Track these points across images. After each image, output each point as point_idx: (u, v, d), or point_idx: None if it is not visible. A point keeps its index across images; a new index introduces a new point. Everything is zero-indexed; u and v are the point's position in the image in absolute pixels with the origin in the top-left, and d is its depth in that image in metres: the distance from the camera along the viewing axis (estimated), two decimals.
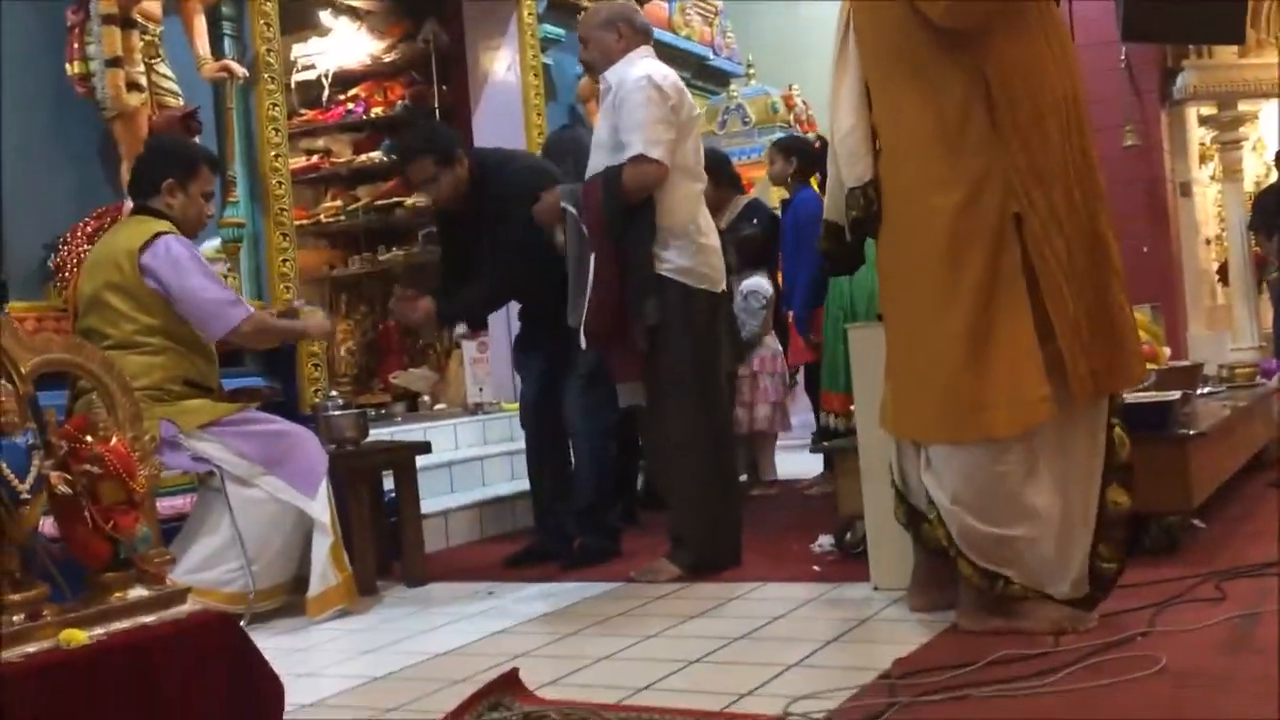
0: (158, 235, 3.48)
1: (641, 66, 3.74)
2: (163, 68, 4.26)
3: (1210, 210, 9.98)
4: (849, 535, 3.70)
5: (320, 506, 3.46)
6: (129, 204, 3.76)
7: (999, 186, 2.56)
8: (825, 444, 4.50)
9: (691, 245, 3.72)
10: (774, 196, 7.69)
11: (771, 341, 5.78)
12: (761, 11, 10.04)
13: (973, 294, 2.57)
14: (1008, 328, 2.56)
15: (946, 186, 2.60)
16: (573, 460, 4.27)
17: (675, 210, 3.70)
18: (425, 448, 4.28)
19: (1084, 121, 2.65)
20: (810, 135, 7.20)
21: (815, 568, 3.64)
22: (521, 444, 4.52)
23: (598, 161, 3.75)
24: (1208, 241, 9.71)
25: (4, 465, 1.83)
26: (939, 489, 2.65)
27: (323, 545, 3.45)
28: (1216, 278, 9.72)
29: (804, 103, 8.46)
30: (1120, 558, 2.66)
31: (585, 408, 4.08)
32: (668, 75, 3.76)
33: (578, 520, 4.19)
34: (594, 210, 3.67)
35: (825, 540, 3.86)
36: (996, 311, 2.56)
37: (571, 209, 3.73)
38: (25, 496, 1.84)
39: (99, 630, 1.83)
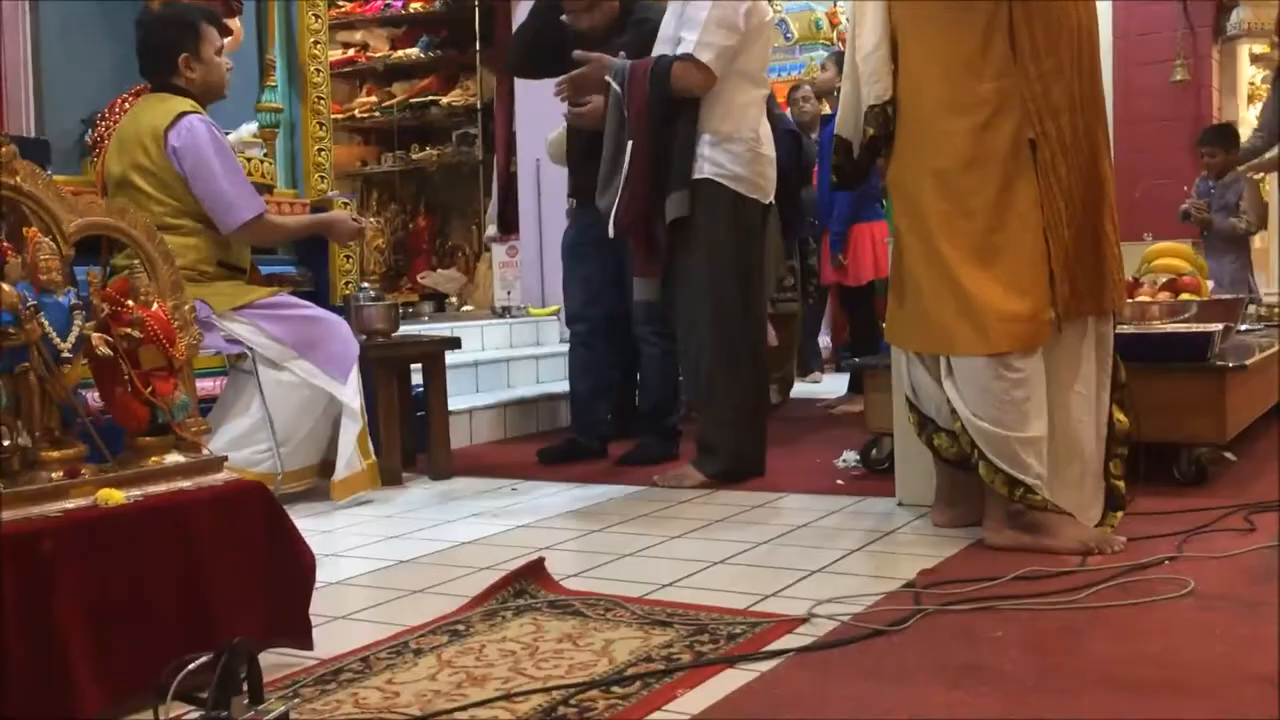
0: (182, 115, 3.43)
1: None
2: None
3: None
4: (874, 451, 3.70)
5: (351, 392, 3.47)
6: None
7: (1016, 112, 2.62)
8: (854, 361, 4.48)
9: (749, 153, 3.67)
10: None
11: None
12: None
13: (986, 213, 2.62)
14: (1022, 247, 2.62)
15: (966, 109, 2.64)
16: (619, 362, 4.28)
17: (734, 115, 3.64)
18: (455, 343, 4.27)
19: (1094, 55, 2.72)
20: None
21: (839, 481, 3.64)
22: (547, 348, 4.52)
23: (660, 56, 3.65)
24: None
25: (46, 323, 1.83)
26: (959, 399, 2.68)
27: (351, 430, 3.47)
28: None
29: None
30: (1125, 475, 2.76)
31: (649, 310, 4.07)
32: None
33: (641, 420, 4.22)
34: (639, 98, 3.58)
35: (850, 455, 3.86)
36: (1009, 231, 2.62)
37: (616, 86, 3.63)
38: (66, 355, 1.85)
39: (135, 492, 1.84)
